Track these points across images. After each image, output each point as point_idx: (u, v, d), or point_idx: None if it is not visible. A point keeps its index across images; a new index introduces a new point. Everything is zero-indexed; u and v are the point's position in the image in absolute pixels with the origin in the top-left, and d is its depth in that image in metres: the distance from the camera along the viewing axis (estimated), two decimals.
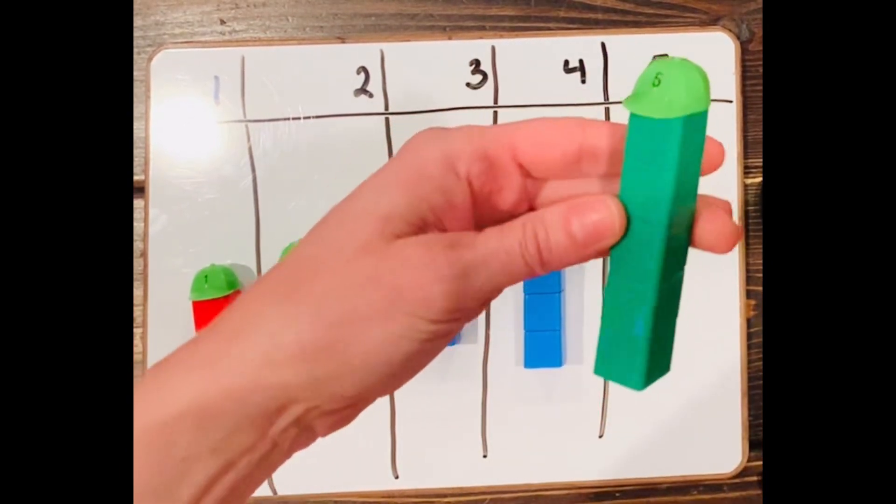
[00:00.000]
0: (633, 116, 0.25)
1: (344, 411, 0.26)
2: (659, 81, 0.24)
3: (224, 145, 0.48)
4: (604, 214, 0.25)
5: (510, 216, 0.27)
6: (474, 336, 0.48)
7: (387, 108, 0.49)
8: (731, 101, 0.49)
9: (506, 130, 0.27)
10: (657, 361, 0.26)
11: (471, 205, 0.27)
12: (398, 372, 0.26)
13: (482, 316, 0.48)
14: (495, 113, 0.49)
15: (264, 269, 0.48)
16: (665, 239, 0.25)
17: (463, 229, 0.27)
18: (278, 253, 0.47)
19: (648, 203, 0.25)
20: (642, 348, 0.26)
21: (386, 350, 0.25)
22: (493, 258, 0.25)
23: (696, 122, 0.24)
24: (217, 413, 0.24)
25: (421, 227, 0.26)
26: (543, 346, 0.47)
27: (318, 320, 0.25)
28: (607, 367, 0.27)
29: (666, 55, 0.48)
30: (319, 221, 0.27)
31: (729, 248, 0.26)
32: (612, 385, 0.47)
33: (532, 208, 0.29)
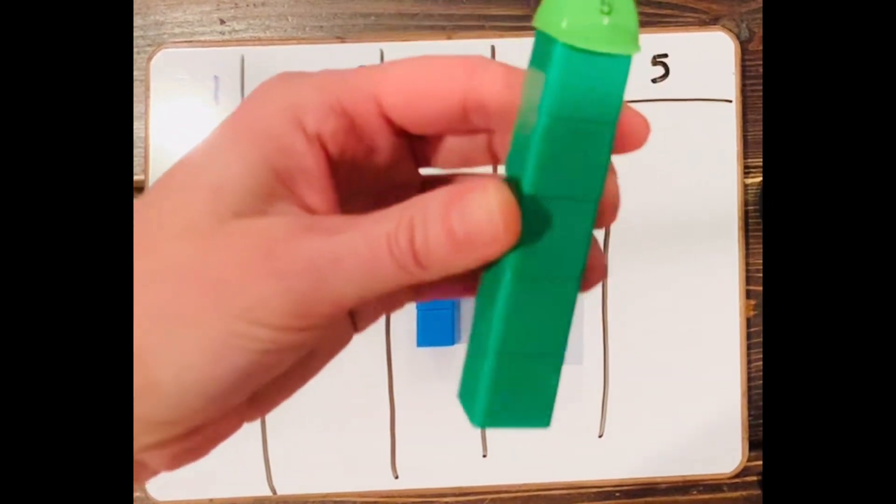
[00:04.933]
0: (570, 52, 0.19)
1: (175, 443, 0.21)
2: (610, 8, 0.19)
3: None
4: (484, 212, 0.19)
5: (399, 185, 0.23)
6: None
7: None
8: (730, 101, 0.49)
9: (368, 77, 0.22)
10: (516, 395, 0.22)
11: (328, 172, 0.21)
12: (228, 390, 0.20)
13: None
14: None
15: None
16: (593, 219, 0.20)
17: (326, 203, 0.21)
18: None
19: (574, 170, 0.19)
20: (490, 369, 0.21)
21: (206, 362, 0.19)
22: (352, 252, 0.19)
23: None
24: None
25: (267, 199, 0.20)
26: None
27: None
28: (463, 390, 0.22)
29: (667, 55, 0.48)
30: (146, 193, 0.21)
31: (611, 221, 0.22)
32: (612, 385, 0.47)
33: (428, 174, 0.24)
